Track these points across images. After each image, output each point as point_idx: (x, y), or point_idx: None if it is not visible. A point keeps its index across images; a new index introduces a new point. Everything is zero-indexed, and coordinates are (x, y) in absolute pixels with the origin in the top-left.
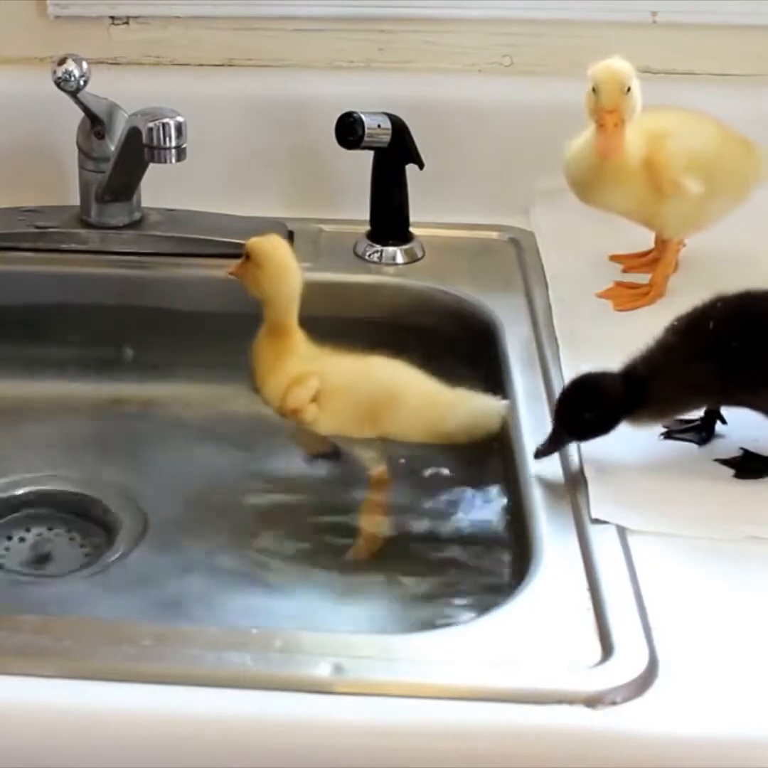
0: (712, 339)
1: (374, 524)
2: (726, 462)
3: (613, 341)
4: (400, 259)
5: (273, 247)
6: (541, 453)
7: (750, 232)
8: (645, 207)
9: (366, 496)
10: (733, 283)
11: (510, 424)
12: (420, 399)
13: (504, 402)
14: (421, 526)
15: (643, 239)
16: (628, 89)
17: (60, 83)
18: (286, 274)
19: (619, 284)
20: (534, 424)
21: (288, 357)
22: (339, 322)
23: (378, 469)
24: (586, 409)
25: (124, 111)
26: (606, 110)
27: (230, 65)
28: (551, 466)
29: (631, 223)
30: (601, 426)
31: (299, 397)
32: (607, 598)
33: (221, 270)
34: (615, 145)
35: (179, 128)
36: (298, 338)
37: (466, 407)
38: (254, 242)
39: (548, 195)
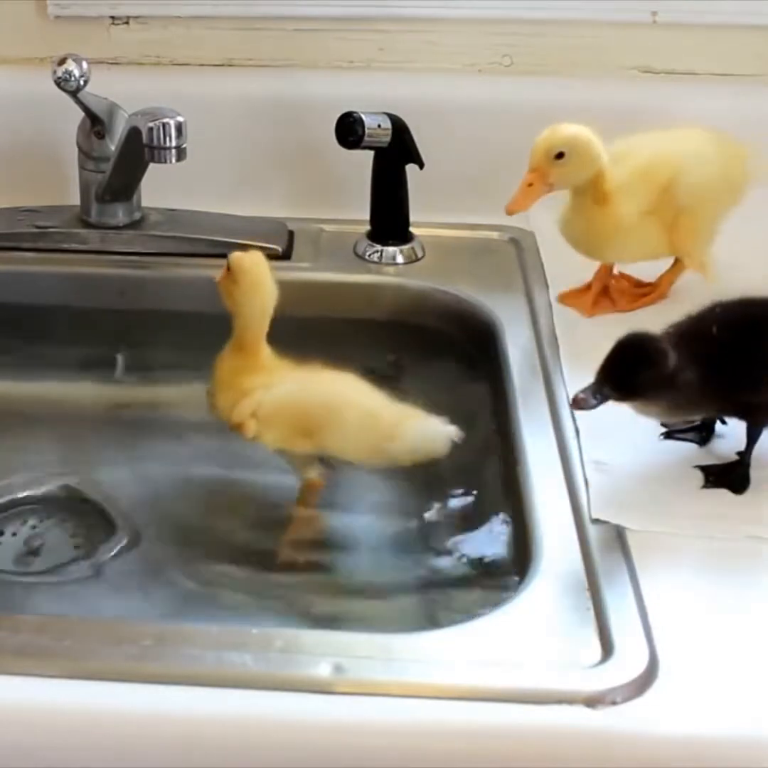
0: (715, 343)
1: (298, 532)
2: (703, 468)
3: (613, 341)
4: (400, 259)
5: (252, 263)
6: (581, 402)
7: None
8: (660, 251)
9: (297, 502)
10: (727, 288)
11: (510, 422)
12: (360, 416)
13: (452, 427)
14: (420, 526)
15: None
16: (560, 155)
17: (60, 83)
18: (260, 292)
19: (623, 275)
20: (534, 424)
21: (246, 373)
22: (339, 322)
23: (311, 477)
24: (642, 367)
25: (124, 111)
26: (529, 167)
27: (230, 65)
28: (551, 466)
29: None
30: (648, 388)
31: (240, 412)
32: (607, 598)
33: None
34: (515, 202)
35: (179, 128)
36: (263, 355)
37: (410, 429)
38: (235, 257)
39: (548, 195)
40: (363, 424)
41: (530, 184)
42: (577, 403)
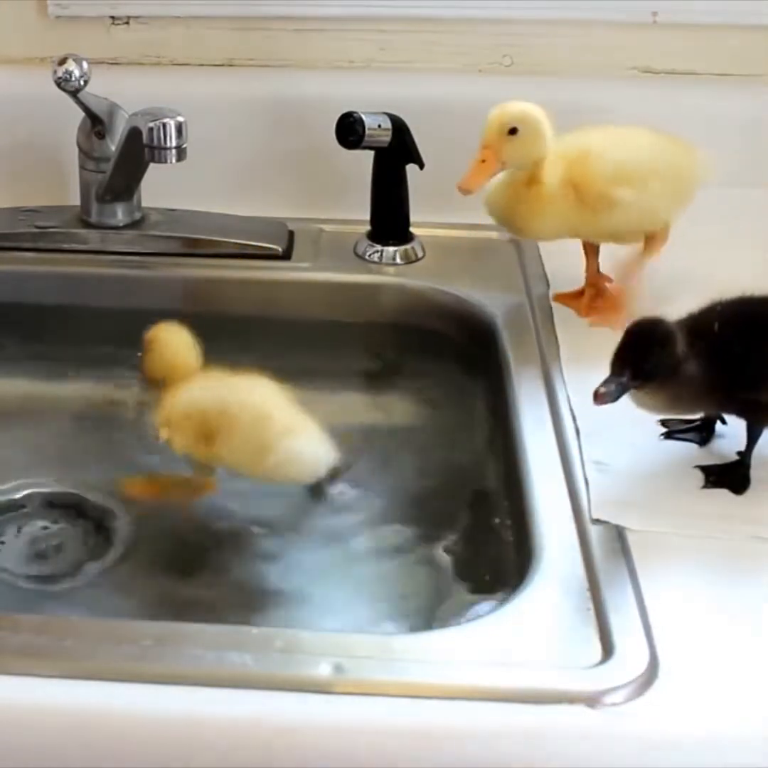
0: (716, 341)
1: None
2: (703, 468)
3: (613, 341)
4: (400, 259)
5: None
6: (604, 396)
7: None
8: (581, 228)
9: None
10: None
11: (510, 422)
12: (248, 424)
13: (331, 453)
14: (420, 526)
15: None
16: (513, 130)
17: (60, 83)
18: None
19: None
20: (534, 424)
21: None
22: (339, 322)
23: (206, 477)
24: (658, 350)
25: (124, 111)
26: (481, 144)
27: (230, 65)
28: (551, 466)
29: None
30: (663, 371)
31: (156, 418)
32: (607, 598)
33: (221, 270)
34: (467, 179)
35: (179, 128)
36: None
37: (287, 444)
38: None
39: None
40: (250, 434)
41: (483, 161)
42: (600, 398)
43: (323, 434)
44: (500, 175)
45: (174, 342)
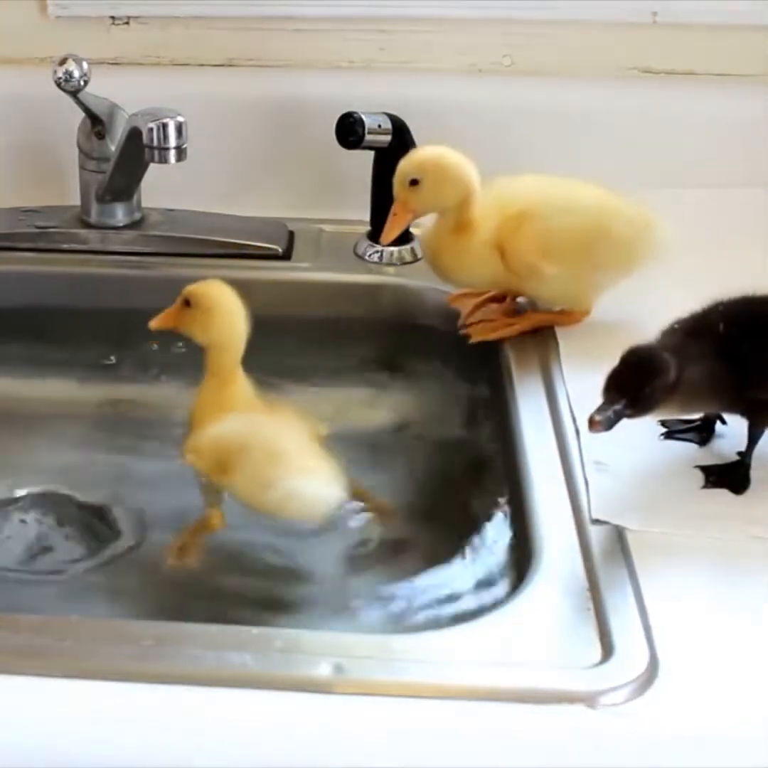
0: (720, 340)
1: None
2: (703, 469)
3: (614, 342)
4: (399, 259)
5: (219, 291)
6: (599, 424)
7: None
8: (507, 287)
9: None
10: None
11: (510, 422)
12: (260, 461)
13: (338, 494)
14: (420, 525)
15: None
16: (414, 181)
17: (60, 83)
18: (236, 320)
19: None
20: (534, 424)
21: (215, 411)
22: (339, 322)
23: (213, 514)
24: (651, 380)
25: (124, 111)
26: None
27: (230, 65)
28: (551, 466)
29: None
30: (658, 400)
31: (186, 446)
32: (607, 598)
33: (221, 270)
34: (383, 234)
35: (179, 128)
36: (237, 391)
37: (293, 481)
38: (198, 289)
39: None
40: (258, 469)
41: (394, 214)
42: (594, 426)
43: (335, 475)
44: (432, 219)
45: (225, 301)
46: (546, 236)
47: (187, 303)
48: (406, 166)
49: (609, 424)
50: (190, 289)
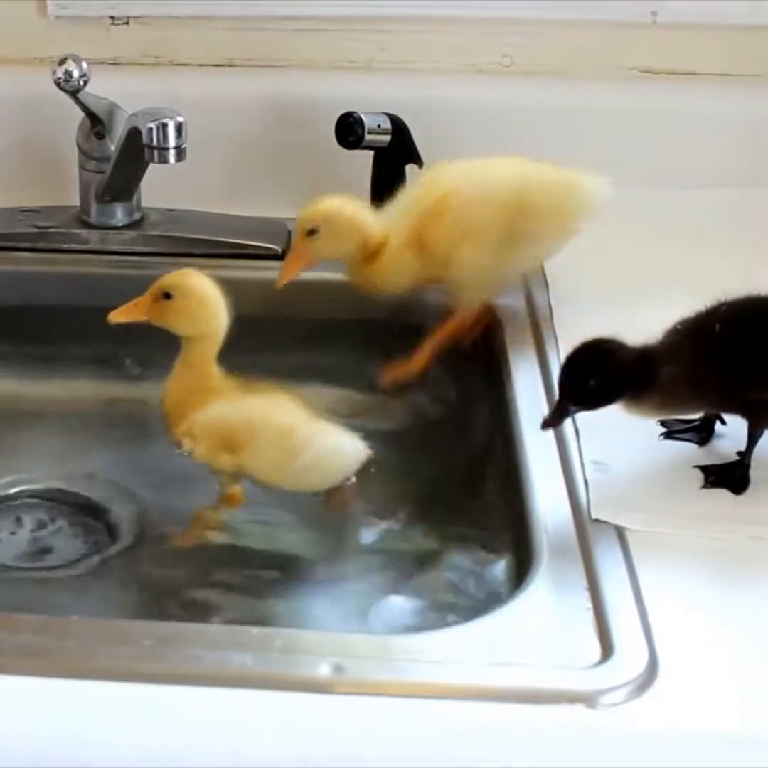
0: (720, 341)
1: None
2: (703, 468)
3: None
4: None
5: (202, 282)
6: (547, 424)
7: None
8: (429, 277)
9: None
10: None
11: (510, 422)
12: (275, 436)
13: (361, 445)
14: (420, 527)
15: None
16: (312, 231)
17: (60, 83)
18: (222, 307)
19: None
20: (534, 424)
21: (196, 394)
22: (339, 322)
23: (231, 491)
24: (591, 375)
25: (124, 111)
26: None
27: (230, 65)
28: (551, 466)
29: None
30: (606, 394)
31: (179, 431)
32: (607, 598)
33: (221, 270)
34: (280, 274)
35: (179, 128)
36: (213, 376)
37: (317, 443)
38: (175, 278)
39: None
40: (277, 444)
41: (293, 258)
42: (546, 425)
43: (346, 431)
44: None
45: (201, 289)
46: (465, 220)
47: (166, 296)
48: (303, 216)
49: (556, 423)
50: (170, 281)
